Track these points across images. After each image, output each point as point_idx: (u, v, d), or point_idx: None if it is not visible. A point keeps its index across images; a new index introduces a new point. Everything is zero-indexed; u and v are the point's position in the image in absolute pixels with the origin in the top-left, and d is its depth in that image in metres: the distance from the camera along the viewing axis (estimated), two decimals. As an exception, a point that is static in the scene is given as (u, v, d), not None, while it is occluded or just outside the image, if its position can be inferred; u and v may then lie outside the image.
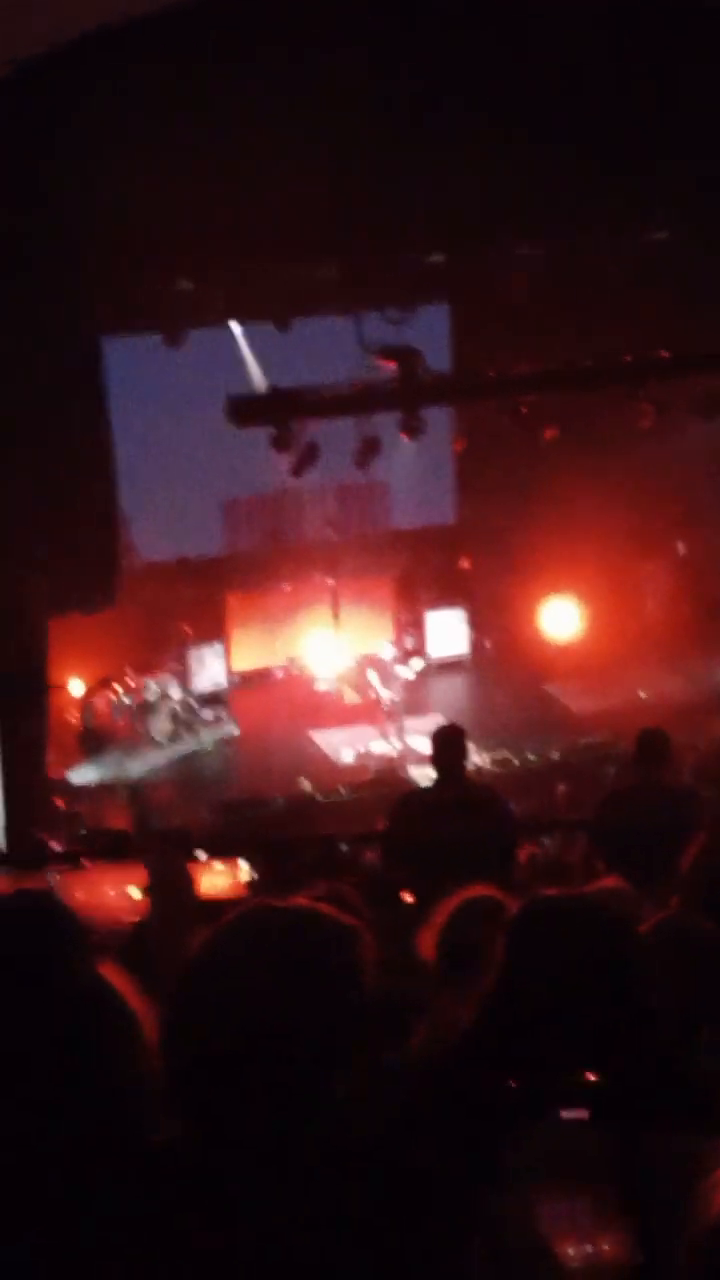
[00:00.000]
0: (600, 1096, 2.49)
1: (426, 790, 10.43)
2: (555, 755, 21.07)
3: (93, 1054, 2.47)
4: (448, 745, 9.36)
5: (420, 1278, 2.22)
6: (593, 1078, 2.51)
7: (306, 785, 19.94)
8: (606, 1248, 2.44)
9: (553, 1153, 2.44)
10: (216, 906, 6.43)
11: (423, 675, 23.68)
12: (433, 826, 8.85)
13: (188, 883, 6.94)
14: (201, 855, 10.86)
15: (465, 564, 25.76)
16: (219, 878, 9.47)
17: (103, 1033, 2.50)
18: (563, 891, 3.32)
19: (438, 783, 9.53)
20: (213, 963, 2.38)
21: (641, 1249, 2.41)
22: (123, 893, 9.32)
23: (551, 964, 2.89)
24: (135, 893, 8.76)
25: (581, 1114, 2.45)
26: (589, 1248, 2.42)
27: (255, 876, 9.31)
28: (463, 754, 9.49)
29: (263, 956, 2.36)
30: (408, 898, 8.44)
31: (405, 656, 23.36)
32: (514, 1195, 2.40)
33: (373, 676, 22.46)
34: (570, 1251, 2.42)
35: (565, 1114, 2.46)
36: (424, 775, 17.23)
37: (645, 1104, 2.56)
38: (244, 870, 9.33)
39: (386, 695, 22.22)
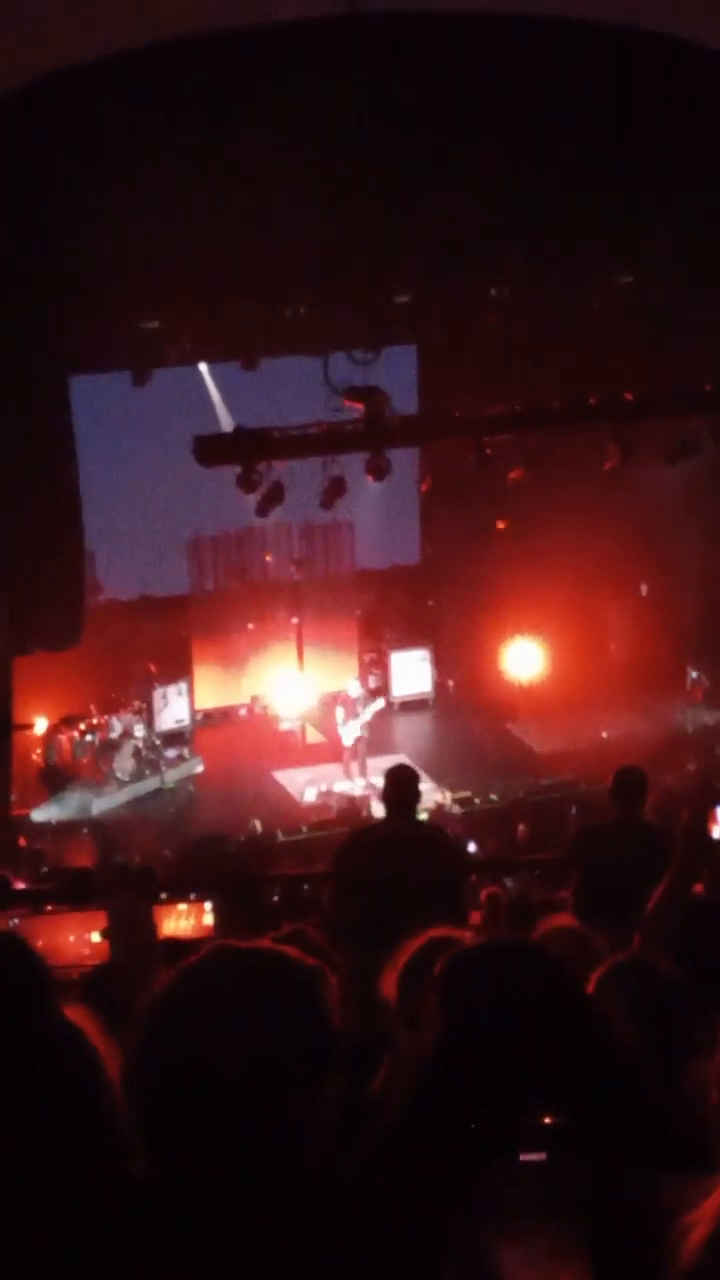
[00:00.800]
0: (559, 1138, 2.51)
1: (374, 828, 10.45)
2: (520, 794, 21.12)
3: (59, 1094, 2.50)
4: (399, 784, 9.39)
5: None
6: (549, 1120, 2.53)
7: (258, 826, 19.95)
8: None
9: (512, 1193, 2.46)
10: (180, 947, 6.44)
11: (386, 714, 23.71)
12: (380, 864, 8.85)
13: (150, 925, 6.93)
14: (163, 895, 10.86)
15: (430, 603, 25.85)
16: (183, 919, 9.45)
17: (69, 1073, 2.52)
18: (490, 937, 3.33)
19: (386, 820, 9.56)
20: (176, 1004, 2.40)
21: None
22: (83, 938, 9.31)
23: (482, 1012, 2.90)
24: (95, 937, 8.75)
25: (540, 1156, 2.47)
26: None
27: (218, 918, 9.29)
28: (414, 793, 9.51)
29: (226, 998, 2.37)
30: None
31: (369, 696, 23.39)
32: (475, 1236, 2.41)
33: (338, 715, 22.48)
34: None
35: (524, 1156, 2.47)
36: (387, 814, 17.26)
37: (604, 1145, 2.59)
38: (208, 912, 9.31)
39: (350, 734, 22.24)
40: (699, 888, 6.91)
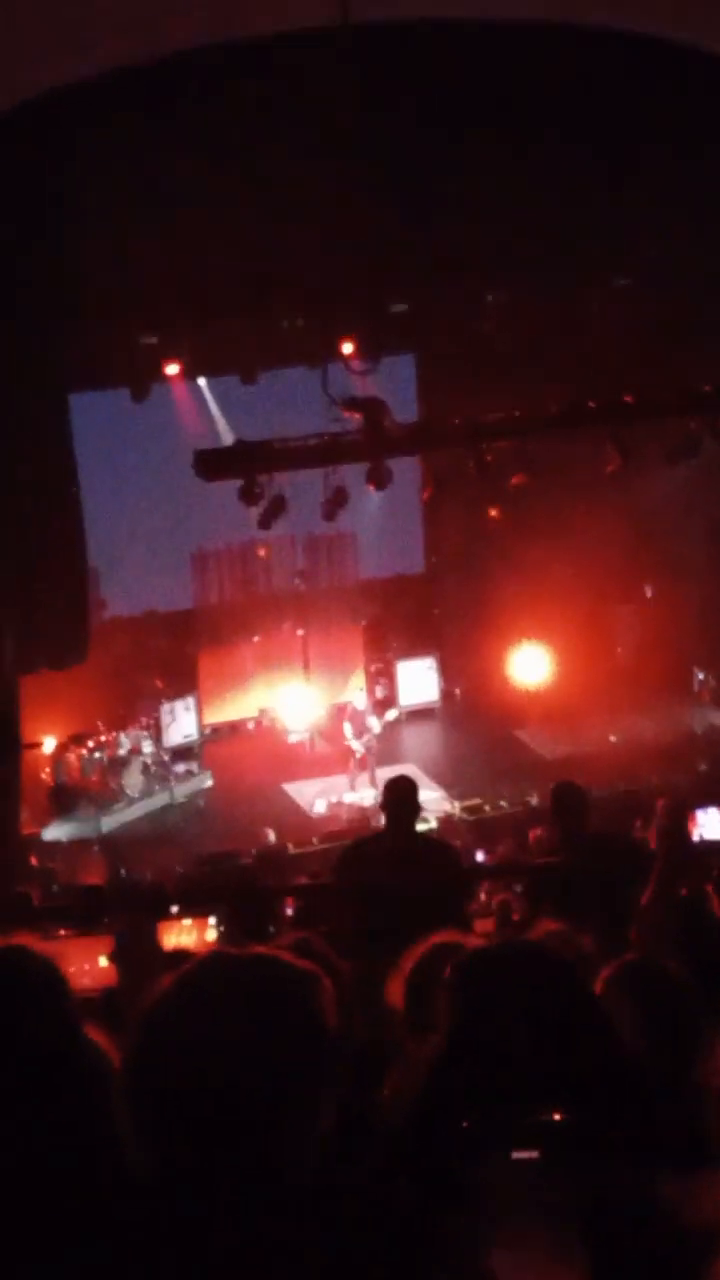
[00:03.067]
0: (554, 1137, 2.50)
1: (371, 841, 10.45)
2: (534, 800, 21.10)
3: (76, 1104, 2.50)
4: (396, 797, 9.39)
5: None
6: (556, 1117, 2.52)
7: (271, 836, 19.92)
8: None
9: (507, 1194, 2.45)
10: (183, 958, 6.42)
11: (394, 724, 23.74)
12: (379, 875, 8.85)
13: (155, 943, 6.92)
14: (174, 909, 10.85)
15: (435, 611, 25.86)
16: (185, 935, 9.41)
17: (86, 1084, 2.52)
18: (501, 939, 3.33)
19: (385, 832, 9.56)
20: (170, 1009, 2.39)
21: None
22: (83, 968, 9.29)
23: (493, 1013, 2.90)
24: (103, 961, 8.73)
25: (532, 1154, 2.46)
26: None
27: (222, 930, 9.27)
28: (413, 805, 9.51)
29: (219, 1002, 2.36)
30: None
31: (377, 706, 23.39)
32: (471, 1238, 2.40)
33: (346, 727, 22.48)
34: None
35: (516, 1154, 2.46)
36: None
37: (605, 1145, 2.58)
38: (211, 928, 9.28)
39: (358, 745, 22.24)
40: (684, 891, 6.96)
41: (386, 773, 20.90)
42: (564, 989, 2.96)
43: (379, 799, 20.75)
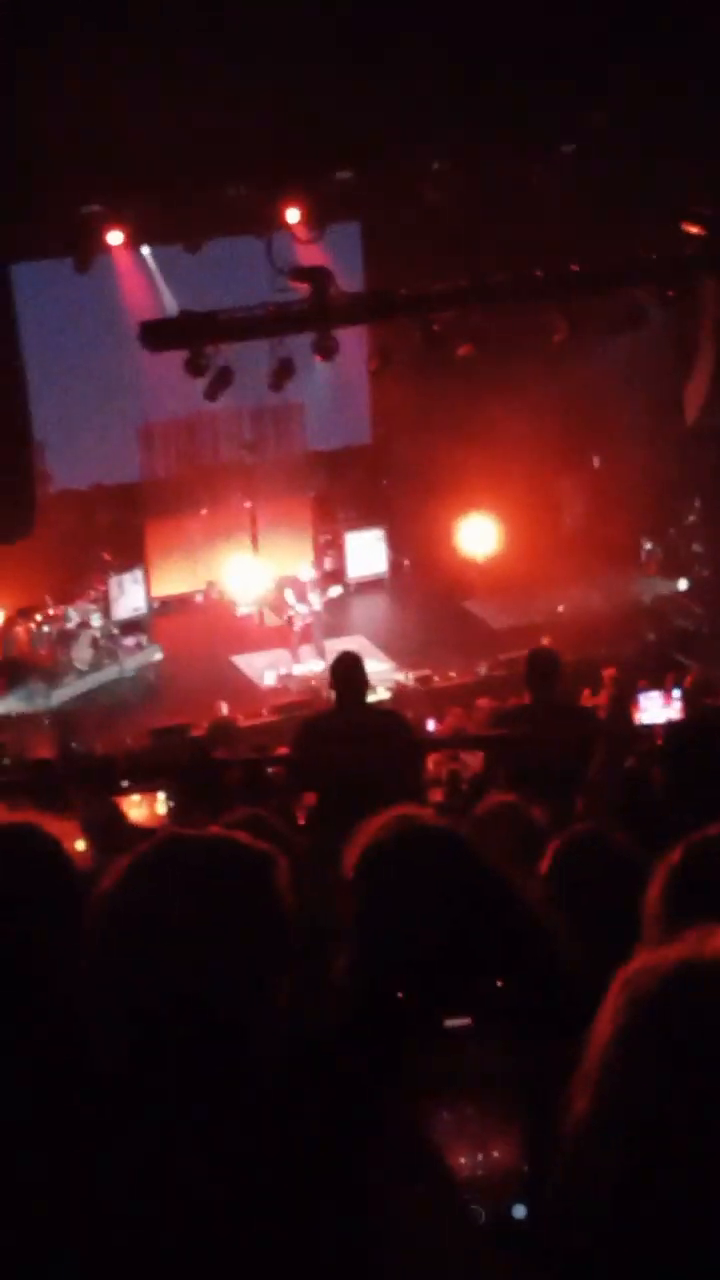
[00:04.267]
0: (483, 1004, 2.57)
1: (325, 716, 10.52)
2: (482, 670, 21.24)
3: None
4: (344, 672, 9.46)
5: (324, 1192, 2.29)
6: (498, 984, 2.59)
7: (224, 709, 19.99)
8: (496, 1155, 2.52)
9: (442, 1061, 2.52)
10: (141, 835, 6.47)
11: (343, 596, 23.81)
12: (334, 751, 8.93)
13: (119, 818, 6.98)
14: (125, 784, 10.91)
15: (384, 483, 25.81)
16: (134, 809, 9.47)
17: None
18: (399, 821, 3.41)
19: (336, 709, 9.64)
20: (128, 894, 2.43)
21: (530, 1155, 2.50)
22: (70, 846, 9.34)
23: (398, 893, 3.00)
24: (80, 845, 8.76)
25: (465, 1021, 2.53)
26: (479, 1155, 2.51)
27: (173, 805, 9.33)
28: (361, 679, 9.57)
29: (175, 886, 2.39)
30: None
31: (324, 578, 23.41)
32: (408, 1106, 2.47)
33: (287, 596, 22.52)
34: (462, 1160, 2.50)
35: (449, 1022, 2.53)
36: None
37: (532, 1012, 2.65)
38: (160, 801, 9.33)
39: (304, 612, 22.31)
40: (631, 762, 7.07)
41: (335, 644, 21.06)
42: (462, 865, 3.04)
43: (324, 671, 20.97)
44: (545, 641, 16.09)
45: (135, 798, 9.31)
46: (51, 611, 22.11)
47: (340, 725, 9.32)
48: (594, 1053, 1.89)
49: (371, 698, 11.23)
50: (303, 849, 5.82)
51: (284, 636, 22.84)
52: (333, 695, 9.79)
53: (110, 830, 6.89)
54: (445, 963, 2.79)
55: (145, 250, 22.23)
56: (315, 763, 9.07)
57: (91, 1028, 2.42)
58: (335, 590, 23.47)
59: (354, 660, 9.64)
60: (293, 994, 2.47)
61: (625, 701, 12.76)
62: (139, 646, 22.94)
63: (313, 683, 21.10)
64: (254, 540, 24.27)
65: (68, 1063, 2.49)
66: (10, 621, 21.99)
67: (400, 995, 2.69)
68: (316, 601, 22.58)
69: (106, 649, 22.40)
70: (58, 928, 2.75)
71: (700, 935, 1.90)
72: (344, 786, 8.11)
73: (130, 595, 23.46)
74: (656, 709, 13.97)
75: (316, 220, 20.68)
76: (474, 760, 12.43)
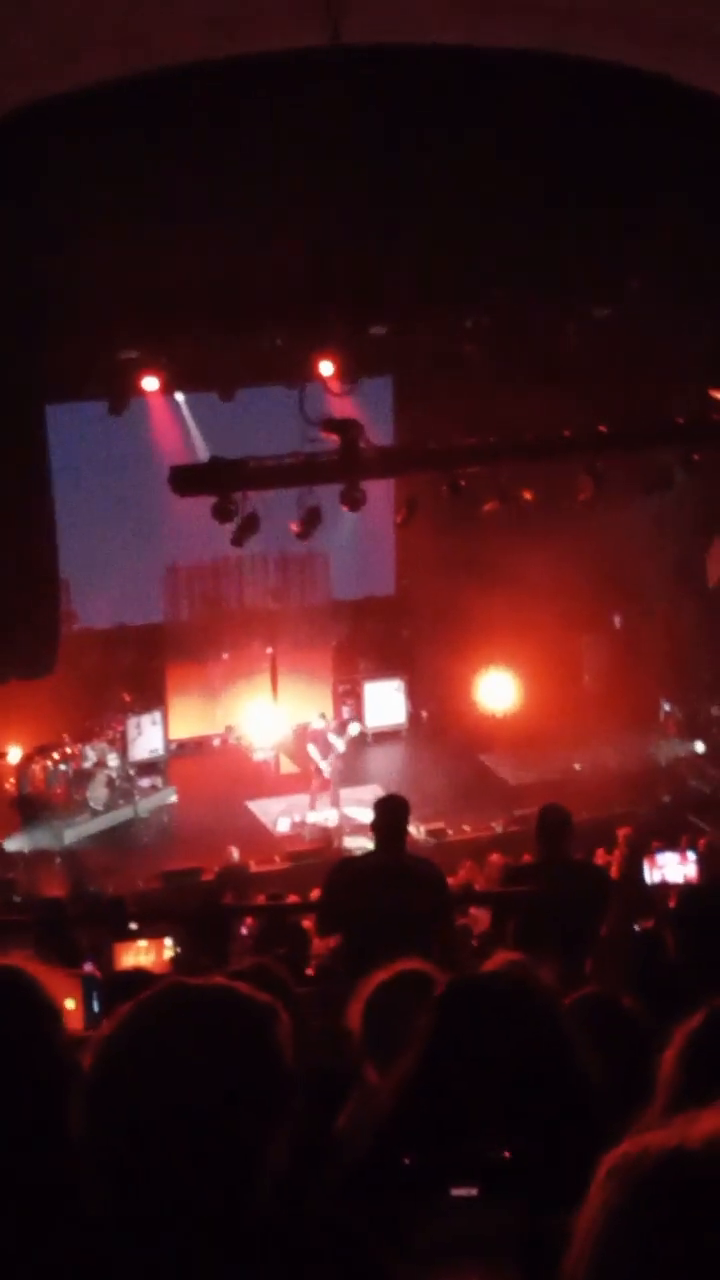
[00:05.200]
0: (495, 1174, 2.52)
1: (363, 857, 10.44)
2: (497, 828, 21.12)
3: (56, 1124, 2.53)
4: (390, 813, 9.40)
5: None
6: (505, 1155, 2.55)
7: (235, 854, 19.90)
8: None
9: (452, 1231, 2.47)
10: (142, 980, 6.41)
11: (359, 744, 23.75)
12: (368, 894, 8.86)
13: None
14: (133, 926, 10.83)
15: (405, 634, 25.88)
16: (143, 955, 9.37)
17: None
18: (485, 971, 3.36)
19: (376, 850, 9.56)
20: (126, 1041, 2.40)
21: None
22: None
23: (474, 1044, 2.94)
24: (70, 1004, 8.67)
25: (471, 1191, 2.48)
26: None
27: (183, 950, 9.24)
28: (404, 823, 9.53)
29: (176, 1036, 2.37)
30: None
31: (341, 726, 23.39)
32: (410, 1270, 2.42)
33: (310, 749, 22.48)
34: None
35: (456, 1191, 2.49)
36: (359, 845, 17.26)
37: (542, 1179, 2.60)
38: (168, 948, 9.25)
39: (324, 765, 22.24)
40: (645, 924, 7.00)
41: (351, 793, 21.02)
42: (542, 1024, 2.99)
43: (342, 819, 20.88)
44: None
45: (142, 943, 9.22)
46: (69, 750, 22.11)
47: (379, 867, 9.25)
48: (578, 1241, 1.84)
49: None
50: (307, 1001, 5.74)
51: (299, 783, 22.78)
52: (349, 842, 9.75)
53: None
54: (493, 1121, 2.74)
55: (179, 396, 22.51)
56: (349, 903, 9.00)
57: (82, 1172, 2.38)
58: (355, 728, 23.44)
59: (402, 804, 9.61)
60: (293, 1146, 2.44)
61: (638, 861, 12.67)
62: (154, 788, 22.90)
63: (327, 831, 21.01)
64: (274, 686, 24.31)
65: (57, 1208, 2.45)
66: (27, 758, 21.98)
67: (406, 1161, 2.64)
68: (340, 744, 22.51)
69: (122, 789, 22.36)
70: (41, 1077, 2.72)
71: (688, 1120, 1.85)
72: (377, 929, 8.05)
73: (148, 736, 23.46)
74: (672, 868, 13.86)
75: (349, 374, 20.91)
76: (485, 916, 12.34)
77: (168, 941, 9.50)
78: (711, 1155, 1.77)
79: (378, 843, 9.48)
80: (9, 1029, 2.78)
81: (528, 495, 21.16)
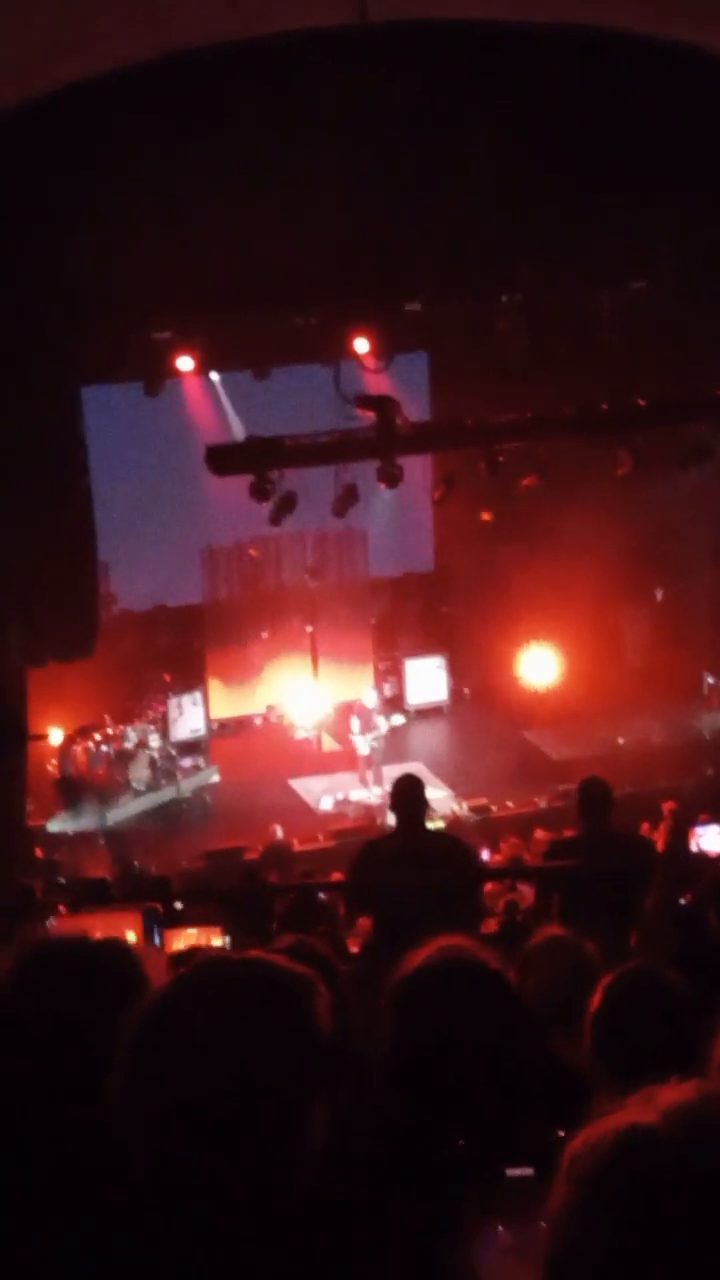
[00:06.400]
0: (545, 1151, 2.51)
1: (386, 840, 10.43)
2: (540, 803, 21.09)
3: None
4: (404, 795, 9.39)
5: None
6: (559, 1134, 2.53)
7: (279, 832, 19.93)
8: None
9: (499, 1206, 2.45)
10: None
11: (402, 723, 23.76)
12: (393, 876, 8.85)
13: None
14: (178, 905, 10.84)
15: (445, 611, 25.86)
16: (192, 942, 9.34)
17: None
18: (442, 955, 3.37)
19: (396, 832, 9.55)
20: (163, 1015, 2.40)
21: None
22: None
23: (435, 1030, 2.95)
24: (131, 936, 8.66)
25: (527, 1171, 2.47)
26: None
27: (229, 933, 9.22)
28: (421, 803, 9.51)
29: (213, 1008, 2.36)
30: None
31: (385, 705, 23.38)
32: (462, 1248, 2.41)
33: (354, 723, 22.47)
34: None
35: (511, 1172, 2.47)
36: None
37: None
38: (217, 935, 9.21)
39: (365, 743, 22.23)
40: (687, 898, 6.95)
41: (393, 770, 20.93)
42: (497, 1004, 2.99)
43: (384, 797, 20.89)
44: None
45: (191, 930, 9.20)
46: (110, 731, 22.17)
47: (400, 849, 9.24)
48: (550, 1228, 1.80)
49: (428, 825, 11.15)
50: (349, 977, 5.73)
51: (342, 761, 22.79)
52: (392, 819, 9.73)
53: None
54: (488, 1106, 2.73)
55: (214, 376, 22.50)
56: (373, 886, 8.99)
57: (122, 1141, 2.39)
58: (398, 719, 23.46)
59: (414, 783, 9.57)
60: (332, 1121, 2.42)
61: (683, 835, 12.62)
62: (196, 768, 22.94)
63: (371, 809, 21.02)
64: (314, 665, 24.32)
65: (104, 1172, 2.46)
66: (69, 740, 22.04)
67: (460, 1142, 2.63)
68: (383, 725, 22.50)
69: (164, 769, 22.40)
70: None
71: (647, 1096, 1.81)
72: (402, 910, 8.04)
73: (189, 716, 23.50)
74: (713, 840, 13.80)
75: (384, 350, 20.88)
76: (531, 892, 12.32)
77: (219, 930, 9.44)
78: (670, 1130, 1.73)
79: (397, 825, 9.49)
80: (112, 1000, 2.79)
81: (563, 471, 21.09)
